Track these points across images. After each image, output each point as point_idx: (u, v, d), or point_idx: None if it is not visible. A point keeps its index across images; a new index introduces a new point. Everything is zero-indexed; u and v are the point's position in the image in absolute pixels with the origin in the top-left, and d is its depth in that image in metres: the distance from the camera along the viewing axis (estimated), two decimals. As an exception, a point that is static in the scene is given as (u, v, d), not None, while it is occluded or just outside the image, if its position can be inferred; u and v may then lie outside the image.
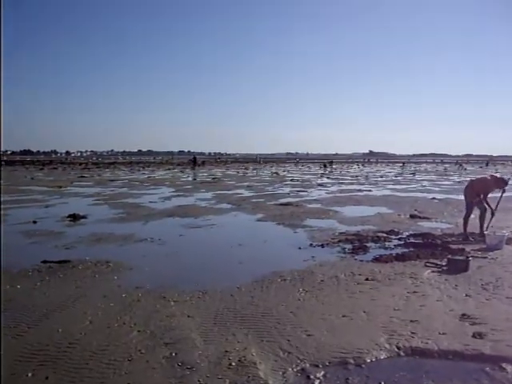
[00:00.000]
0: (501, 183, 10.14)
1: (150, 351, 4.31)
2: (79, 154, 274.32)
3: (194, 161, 64.30)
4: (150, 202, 17.76)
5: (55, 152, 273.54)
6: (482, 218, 10.00)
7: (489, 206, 9.98)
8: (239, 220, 13.35)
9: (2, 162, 65.49)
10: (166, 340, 4.58)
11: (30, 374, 3.87)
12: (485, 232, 9.61)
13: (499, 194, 10.36)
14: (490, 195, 10.16)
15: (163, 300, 5.82)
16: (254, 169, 57.85)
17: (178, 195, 20.77)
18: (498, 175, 10.64)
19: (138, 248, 9.16)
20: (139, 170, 52.44)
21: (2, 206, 15.44)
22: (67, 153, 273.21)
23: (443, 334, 4.59)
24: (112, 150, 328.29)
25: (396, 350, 4.30)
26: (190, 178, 35.21)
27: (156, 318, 5.17)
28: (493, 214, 9.98)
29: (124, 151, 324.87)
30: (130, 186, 26.18)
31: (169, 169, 57.26)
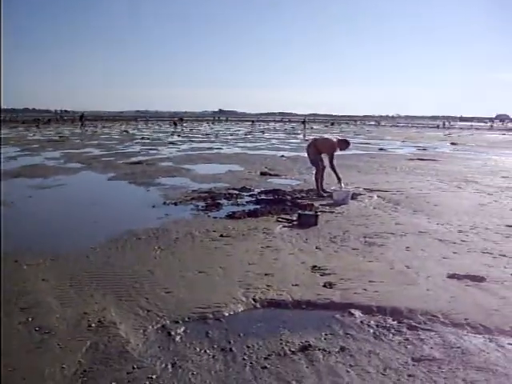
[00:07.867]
0: (344, 144, 10.49)
1: (4, 317, 4.00)
2: None
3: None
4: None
5: None
6: (317, 175, 10.19)
7: (334, 169, 10.13)
8: (90, 179, 12.87)
9: None
10: (21, 305, 4.29)
11: None
12: (333, 188, 9.79)
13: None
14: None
15: (15, 264, 5.41)
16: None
17: (25, 155, 19.43)
18: (339, 137, 11.07)
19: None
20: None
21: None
22: None
23: (296, 285, 4.79)
24: None
25: (253, 302, 4.40)
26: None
27: (9, 283, 4.79)
28: (339, 179, 10.07)
29: None
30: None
31: (13, 127, 52.14)
